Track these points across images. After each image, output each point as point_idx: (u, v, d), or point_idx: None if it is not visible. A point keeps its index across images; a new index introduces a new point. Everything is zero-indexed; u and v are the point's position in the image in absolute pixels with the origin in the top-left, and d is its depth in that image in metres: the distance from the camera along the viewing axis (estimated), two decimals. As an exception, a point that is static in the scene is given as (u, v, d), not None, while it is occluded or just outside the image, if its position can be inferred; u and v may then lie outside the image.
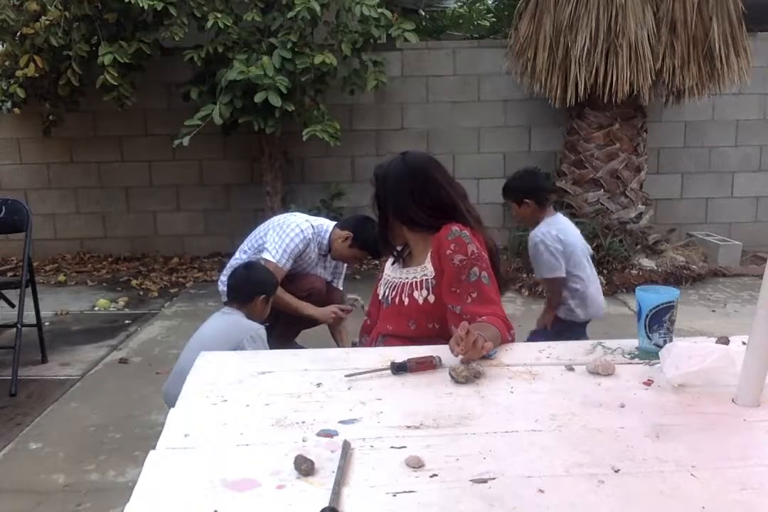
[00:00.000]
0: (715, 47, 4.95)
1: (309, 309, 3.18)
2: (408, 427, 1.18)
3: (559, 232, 3.10)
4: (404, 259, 1.99)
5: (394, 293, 1.91)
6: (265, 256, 3.10)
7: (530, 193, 3.10)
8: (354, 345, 3.15)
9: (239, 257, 3.31)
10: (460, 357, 1.44)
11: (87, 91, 5.17)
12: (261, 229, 3.30)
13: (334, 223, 3.36)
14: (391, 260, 2.03)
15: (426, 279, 1.86)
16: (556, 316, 3.14)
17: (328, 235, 3.25)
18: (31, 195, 5.91)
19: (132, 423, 2.95)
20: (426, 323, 1.86)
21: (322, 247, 3.28)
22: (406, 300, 1.87)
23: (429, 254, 1.87)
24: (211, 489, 0.99)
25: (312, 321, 3.36)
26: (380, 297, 1.99)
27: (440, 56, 5.95)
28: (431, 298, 1.84)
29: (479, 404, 1.28)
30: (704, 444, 1.12)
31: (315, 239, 3.23)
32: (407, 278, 1.90)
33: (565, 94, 5.09)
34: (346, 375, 1.40)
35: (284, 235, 3.13)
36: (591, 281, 3.14)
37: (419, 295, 1.86)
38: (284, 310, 3.08)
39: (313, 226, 3.24)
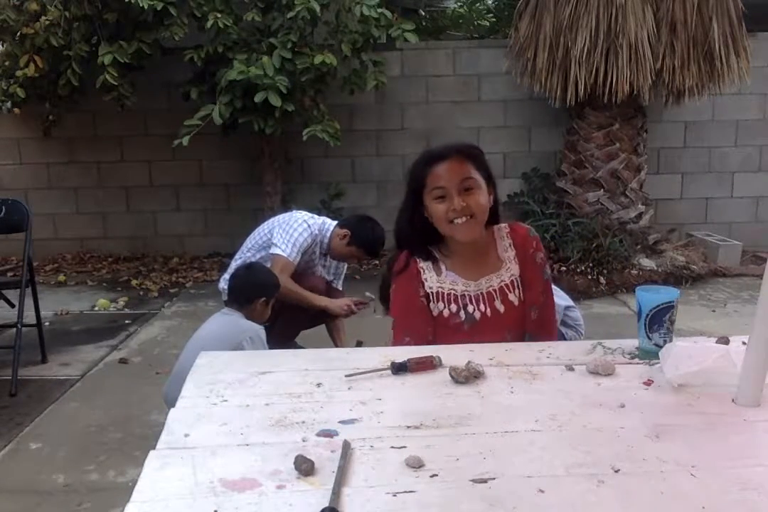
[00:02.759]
0: (715, 47, 4.94)
1: (323, 300, 3.19)
2: (408, 427, 1.18)
3: None
4: (457, 269, 1.78)
5: (482, 306, 1.75)
6: (275, 250, 3.10)
7: None
8: (359, 344, 3.16)
9: (240, 257, 3.32)
10: (463, 359, 1.44)
11: (87, 91, 5.17)
12: (264, 227, 3.31)
13: (336, 221, 3.37)
14: (430, 272, 1.79)
15: (515, 279, 1.77)
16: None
17: (329, 233, 3.26)
18: (31, 195, 5.91)
19: (132, 423, 2.95)
20: (520, 328, 1.77)
21: (322, 246, 3.29)
22: (502, 308, 1.75)
23: (511, 252, 1.79)
24: (211, 489, 0.99)
25: (312, 321, 3.37)
26: (444, 314, 1.77)
27: (440, 56, 5.95)
28: (523, 296, 1.77)
29: (479, 404, 1.27)
30: (704, 444, 1.12)
31: (318, 236, 3.25)
32: (491, 286, 1.76)
33: (565, 94, 5.09)
34: (346, 375, 1.40)
35: (291, 229, 3.15)
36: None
37: (514, 297, 1.76)
38: (295, 302, 3.08)
39: (316, 223, 3.26)
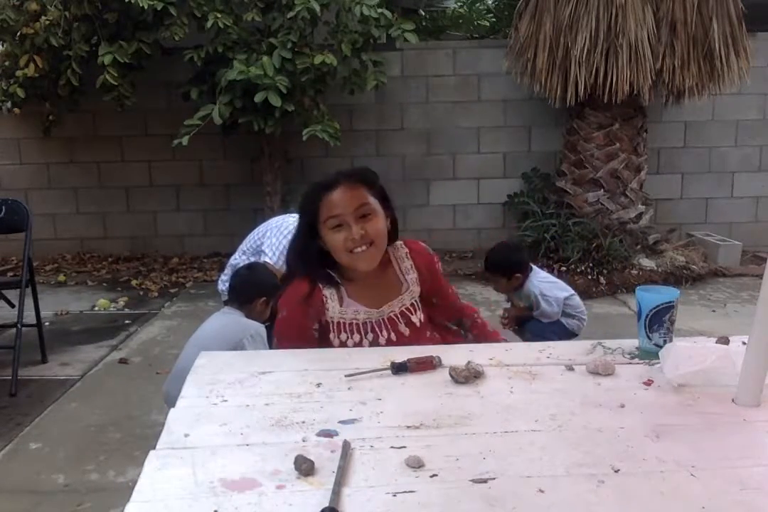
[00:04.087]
0: (715, 47, 4.94)
1: None
2: (408, 427, 1.18)
3: (546, 281, 3.28)
4: (358, 296, 1.70)
5: (385, 332, 1.71)
6: (264, 258, 3.11)
7: (521, 268, 3.22)
8: None
9: (238, 257, 3.32)
10: (463, 360, 1.44)
11: (87, 91, 5.17)
12: (260, 229, 3.31)
13: None
14: (333, 301, 1.69)
15: (415, 301, 1.75)
16: (565, 330, 3.28)
17: None
18: (31, 195, 5.91)
19: (132, 423, 2.96)
20: (428, 338, 1.78)
21: None
22: (407, 331, 1.73)
23: (413, 274, 1.75)
24: (211, 489, 0.99)
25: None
26: (348, 344, 1.70)
27: (440, 56, 5.95)
28: (422, 316, 1.76)
29: (479, 404, 1.28)
30: (704, 444, 1.12)
31: None
32: (393, 311, 1.72)
33: (565, 94, 5.09)
34: (346, 375, 1.40)
35: (281, 237, 3.14)
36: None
37: (416, 319, 1.74)
38: None
39: None
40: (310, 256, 1.69)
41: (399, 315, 1.73)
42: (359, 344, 1.70)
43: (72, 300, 5.02)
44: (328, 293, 1.70)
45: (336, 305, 1.69)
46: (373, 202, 1.66)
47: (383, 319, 1.71)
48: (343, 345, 1.69)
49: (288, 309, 1.70)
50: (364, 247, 1.62)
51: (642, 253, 5.37)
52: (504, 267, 3.23)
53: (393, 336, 1.71)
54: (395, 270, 1.76)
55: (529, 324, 3.33)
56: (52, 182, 6.10)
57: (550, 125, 5.96)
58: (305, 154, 5.86)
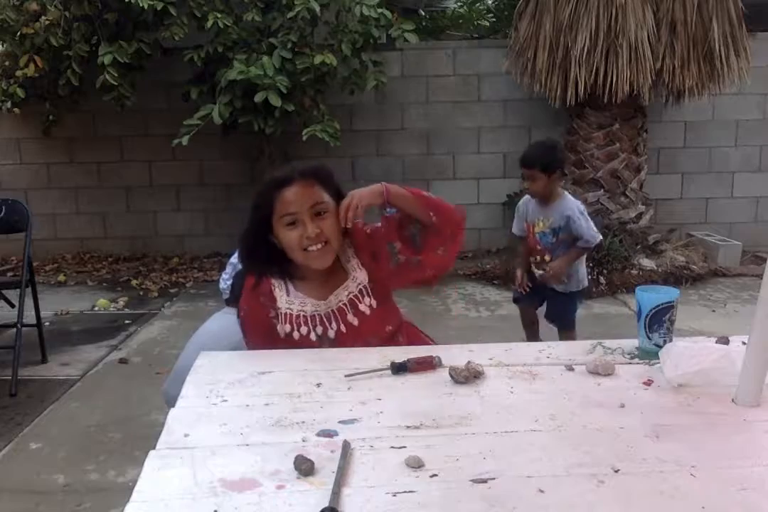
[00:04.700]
0: (715, 47, 4.94)
1: None
2: (408, 427, 1.18)
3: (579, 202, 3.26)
4: (305, 290, 1.69)
5: (334, 324, 1.67)
6: None
7: (562, 165, 3.14)
8: None
9: (236, 257, 3.32)
10: (463, 360, 1.44)
11: (87, 91, 5.17)
12: None
13: None
14: (281, 291, 1.69)
15: (363, 287, 1.68)
16: (570, 292, 3.28)
17: None
18: (31, 195, 5.91)
19: (132, 423, 2.95)
20: (383, 329, 1.72)
21: None
22: (355, 321, 1.67)
23: (354, 261, 1.71)
24: (211, 489, 0.99)
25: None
26: (294, 336, 1.66)
27: (440, 56, 5.95)
28: (374, 303, 1.68)
29: (479, 404, 1.28)
30: (704, 444, 1.12)
31: None
32: (341, 300, 1.68)
33: (565, 94, 5.08)
34: (346, 375, 1.40)
35: None
36: None
37: (365, 307, 1.67)
38: None
39: None
40: (262, 253, 1.70)
41: (348, 304, 1.68)
42: (306, 337, 1.66)
43: (72, 300, 5.02)
44: (276, 283, 1.70)
45: (283, 295, 1.69)
46: (328, 200, 1.67)
47: (332, 311, 1.68)
48: (288, 336, 1.66)
49: (245, 305, 1.71)
50: (319, 245, 1.62)
51: (642, 253, 5.37)
52: (546, 160, 3.03)
53: (343, 328, 1.67)
54: (340, 261, 1.72)
55: (549, 303, 3.29)
56: (52, 182, 6.10)
57: (550, 125, 5.95)
58: (305, 154, 5.84)
